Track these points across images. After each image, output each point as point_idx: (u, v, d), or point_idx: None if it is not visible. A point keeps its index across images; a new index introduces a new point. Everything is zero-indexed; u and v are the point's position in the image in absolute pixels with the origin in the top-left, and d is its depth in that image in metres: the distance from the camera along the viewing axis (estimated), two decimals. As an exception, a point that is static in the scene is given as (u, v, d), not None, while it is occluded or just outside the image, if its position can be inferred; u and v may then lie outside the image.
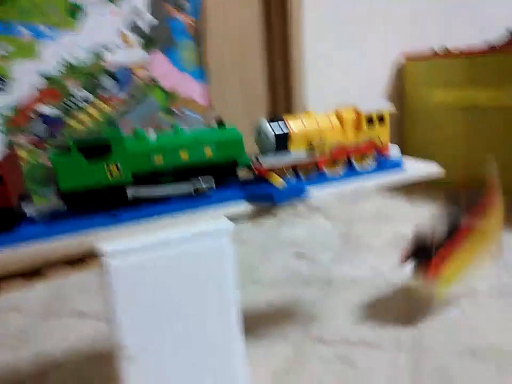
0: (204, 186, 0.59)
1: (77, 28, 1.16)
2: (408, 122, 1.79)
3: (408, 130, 1.80)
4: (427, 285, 0.85)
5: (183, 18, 1.30)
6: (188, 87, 1.35)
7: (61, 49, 1.15)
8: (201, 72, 1.37)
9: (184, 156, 0.58)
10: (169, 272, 0.54)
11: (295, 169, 0.65)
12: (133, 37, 1.24)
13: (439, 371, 0.73)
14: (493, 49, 1.46)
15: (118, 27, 1.22)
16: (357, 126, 0.68)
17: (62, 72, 1.17)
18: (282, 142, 0.63)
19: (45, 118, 1.17)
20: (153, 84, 1.29)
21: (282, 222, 1.47)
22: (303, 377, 0.74)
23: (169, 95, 1.32)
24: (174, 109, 1.34)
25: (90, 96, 1.21)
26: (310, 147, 0.65)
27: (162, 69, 1.30)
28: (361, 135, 0.68)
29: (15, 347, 0.89)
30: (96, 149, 0.53)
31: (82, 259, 1.21)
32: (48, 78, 1.15)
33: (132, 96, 1.27)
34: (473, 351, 0.77)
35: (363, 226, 1.38)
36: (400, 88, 1.80)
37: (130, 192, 0.56)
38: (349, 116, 0.68)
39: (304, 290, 1.02)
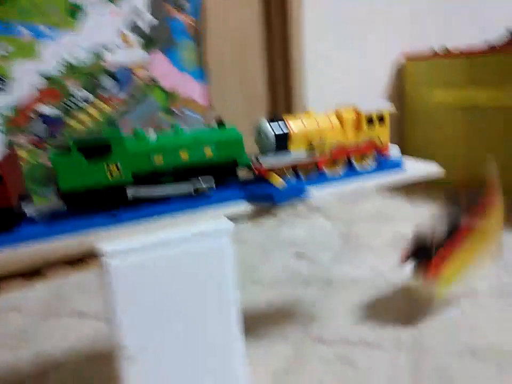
0: (204, 186, 0.59)
1: (77, 28, 1.16)
2: (408, 122, 1.79)
3: (408, 130, 1.80)
4: (427, 285, 0.85)
5: (183, 18, 1.30)
6: (187, 87, 1.35)
7: (61, 49, 1.15)
8: (201, 72, 1.37)
9: (184, 155, 0.58)
10: (169, 272, 0.54)
11: (295, 169, 0.65)
12: (133, 37, 1.24)
13: (439, 371, 0.73)
14: (493, 49, 1.46)
15: (118, 27, 1.22)
16: (357, 126, 0.68)
17: (62, 72, 1.17)
18: (282, 142, 0.63)
19: (45, 118, 1.17)
20: (153, 83, 1.29)
21: (282, 222, 1.47)
22: (303, 377, 0.74)
23: (169, 95, 1.32)
24: (174, 109, 1.34)
25: (90, 96, 1.21)
26: (310, 147, 0.65)
27: (162, 69, 1.30)
28: (361, 135, 0.68)
29: (15, 347, 0.89)
30: (96, 149, 0.53)
31: (82, 259, 1.21)
32: (48, 78, 1.15)
33: (132, 96, 1.27)
34: (473, 351, 0.77)
35: (363, 226, 1.38)
36: (400, 88, 1.80)
37: (130, 192, 0.56)
38: (349, 116, 0.68)
39: (304, 290, 1.02)
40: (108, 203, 0.55)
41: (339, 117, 0.68)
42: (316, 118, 0.66)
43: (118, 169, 0.55)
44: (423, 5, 1.76)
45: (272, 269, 1.14)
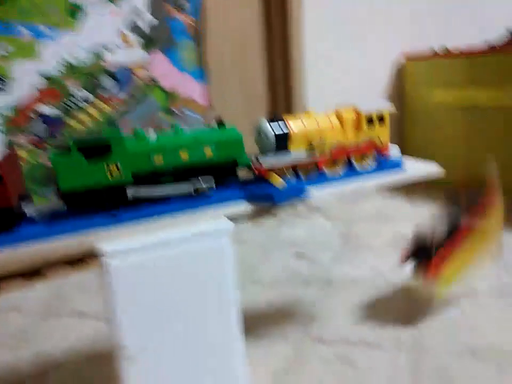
0: (204, 186, 0.59)
1: (77, 28, 1.16)
2: (408, 122, 1.79)
3: (408, 130, 1.80)
4: (427, 285, 0.85)
5: (183, 18, 1.30)
6: (187, 87, 1.35)
7: (61, 49, 1.15)
8: (201, 72, 1.37)
9: (184, 155, 0.58)
10: (169, 272, 0.54)
11: (295, 169, 0.65)
12: (133, 37, 1.24)
13: (439, 371, 0.73)
14: (493, 49, 1.46)
15: (118, 27, 1.22)
16: (357, 126, 0.68)
17: (62, 72, 1.17)
18: (282, 142, 0.63)
19: (45, 118, 1.17)
20: (153, 83, 1.29)
21: (282, 222, 1.47)
22: (303, 377, 0.74)
23: (169, 95, 1.32)
24: (174, 109, 1.34)
25: (90, 96, 1.21)
26: (310, 147, 0.65)
27: (162, 69, 1.30)
28: (361, 135, 0.68)
29: (15, 347, 0.89)
30: (96, 149, 0.53)
31: (82, 259, 1.21)
32: (48, 78, 1.15)
33: (132, 96, 1.27)
34: (473, 351, 0.77)
35: (363, 226, 1.38)
36: (400, 88, 1.80)
37: (130, 192, 0.56)
38: (349, 116, 0.68)
39: (304, 290, 1.02)
40: (108, 203, 0.55)
41: (339, 117, 0.68)
42: (316, 118, 0.66)
43: (118, 169, 0.55)
44: (423, 5, 1.76)
45: (272, 269, 1.14)
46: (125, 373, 0.54)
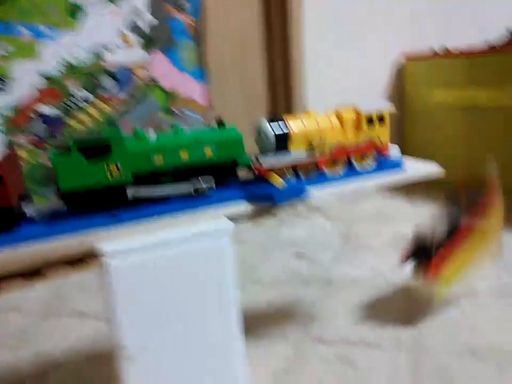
0: (204, 186, 0.59)
1: (77, 27, 1.16)
2: (408, 122, 1.79)
3: (408, 130, 1.80)
4: (427, 285, 0.85)
5: (183, 18, 1.30)
6: (187, 87, 1.35)
7: (61, 49, 1.15)
8: (201, 72, 1.37)
9: (184, 155, 0.58)
10: (169, 272, 0.54)
11: (295, 169, 0.65)
12: (133, 37, 1.24)
13: (439, 371, 0.73)
14: (493, 49, 1.46)
15: (118, 27, 1.22)
16: (357, 126, 0.68)
17: (62, 72, 1.17)
18: (282, 142, 0.63)
19: (45, 118, 1.17)
20: (153, 83, 1.29)
21: (282, 222, 1.47)
22: (303, 377, 0.74)
23: (169, 95, 1.32)
24: (174, 109, 1.34)
25: (90, 96, 1.21)
26: (310, 147, 0.65)
27: (162, 69, 1.30)
28: (361, 135, 0.68)
29: (15, 347, 0.89)
30: (96, 149, 0.53)
31: (82, 259, 1.21)
32: (48, 78, 1.15)
33: (132, 96, 1.27)
34: (473, 351, 0.77)
35: (363, 226, 1.38)
36: (400, 88, 1.80)
37: (130, 192, 0.56)
38: (349, 116, 0.68)
39: (304, 290, 1.02)
40: (108, 203, 0.55)
41: (339, 117, 0.68)
42: (316, 118, 0.66)
43: (118, 169, 0.55)
44: (423, 5, 1.76)
45: (272, 269, 1.14)
46: (125, 373, 0.54)
